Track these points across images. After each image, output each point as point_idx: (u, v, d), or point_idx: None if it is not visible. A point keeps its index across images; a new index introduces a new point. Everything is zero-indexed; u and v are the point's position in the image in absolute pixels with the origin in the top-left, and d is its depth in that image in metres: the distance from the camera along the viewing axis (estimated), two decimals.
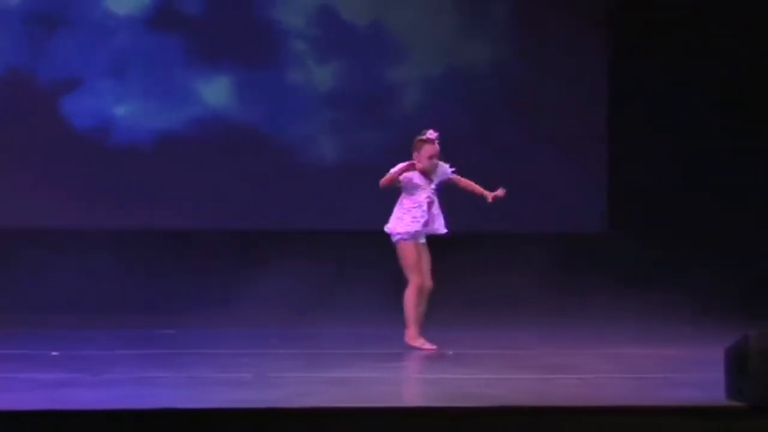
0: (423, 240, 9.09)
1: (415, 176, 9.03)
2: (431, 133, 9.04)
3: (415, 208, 9.03)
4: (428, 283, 9.08)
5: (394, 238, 9.04)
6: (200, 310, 11.06)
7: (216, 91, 12.23)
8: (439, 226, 9.11)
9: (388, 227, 9.07)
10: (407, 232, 9.00)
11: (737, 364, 6.09)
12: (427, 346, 8.95)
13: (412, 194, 9.06)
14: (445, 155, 9.19)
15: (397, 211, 9.08)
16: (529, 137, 12.38)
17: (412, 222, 9.02)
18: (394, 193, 9.15)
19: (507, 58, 12.47)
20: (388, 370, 7.79)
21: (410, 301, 8.97)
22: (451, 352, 8.75)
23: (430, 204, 9.04)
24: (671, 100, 12.38)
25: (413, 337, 8.98)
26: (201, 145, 12.16)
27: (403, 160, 9.02)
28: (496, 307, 10.90)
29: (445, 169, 9.14)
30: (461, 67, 12.41)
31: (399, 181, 9.01)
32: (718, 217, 12.34)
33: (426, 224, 9.05)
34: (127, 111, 12.16)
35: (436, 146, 9.04)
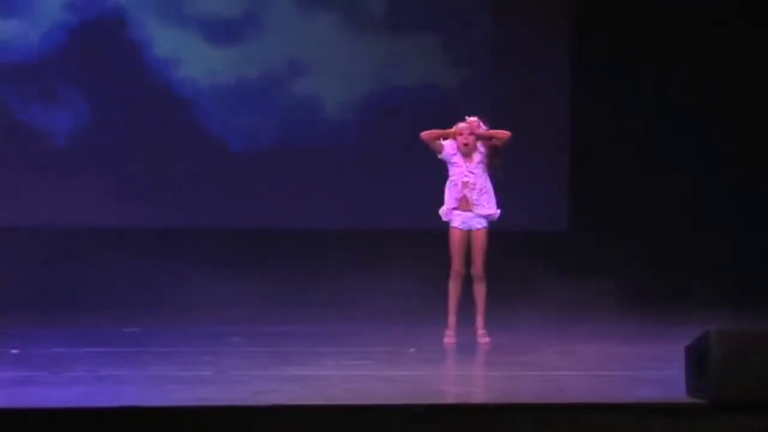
0: (476, 227, 8.94)
1: (450, 148, 8.88)
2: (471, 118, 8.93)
3: (452, 185, 8.94)
4: (472, 270, 8.94)
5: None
6: (163, 309, 11.02)
7: None
8: (476, 221, 8.91)
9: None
10: (445, 211, 8.89)
11: (698, 362, 6.12)
12: (447, 339, 8.94)
13: (450, 168, 8.95)
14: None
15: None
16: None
17: (448, 200, 8.91)
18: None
19: (474, 61, 12.54)
20: (351, 368, 7.78)
21: (449, 288, 8.92)
22: (412, 350, 8.75)
23: (465, 184, 8.91)
24: (632, 101, 12.45)
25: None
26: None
27: None
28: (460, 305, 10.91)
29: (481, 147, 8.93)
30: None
31: (437, 146, 8.86)
32: (682, 215, 12.41)
33: (459, 206, 8.87)
34: None
35: (467, 124, 8.86)
